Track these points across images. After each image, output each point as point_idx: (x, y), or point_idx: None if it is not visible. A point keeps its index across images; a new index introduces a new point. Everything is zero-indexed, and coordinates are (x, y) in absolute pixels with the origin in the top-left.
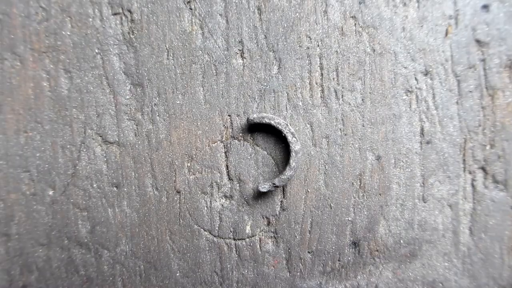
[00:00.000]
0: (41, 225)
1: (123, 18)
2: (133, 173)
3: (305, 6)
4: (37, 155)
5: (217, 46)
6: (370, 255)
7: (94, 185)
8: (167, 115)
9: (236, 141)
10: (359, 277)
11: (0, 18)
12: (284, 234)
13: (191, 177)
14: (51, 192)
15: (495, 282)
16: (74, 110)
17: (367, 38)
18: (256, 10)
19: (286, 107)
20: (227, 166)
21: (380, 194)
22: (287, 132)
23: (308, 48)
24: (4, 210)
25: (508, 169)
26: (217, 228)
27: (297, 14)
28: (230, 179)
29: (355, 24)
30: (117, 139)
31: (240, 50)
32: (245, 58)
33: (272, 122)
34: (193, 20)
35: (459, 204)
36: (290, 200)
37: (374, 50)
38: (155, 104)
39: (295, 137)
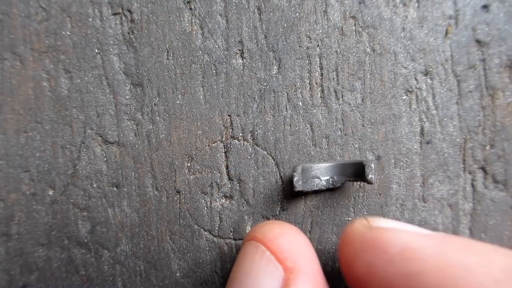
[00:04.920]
0: (41, 225)
1: (123, 18)
2: (133, 173)
3: (305, 6)
4: (37, 155)
5: (217, 46)
6: None
7: (94, 185)
8: (167, 115)
9: (236, 141)
10: None
11: (0, 18)
12: None
13: (191, 177)
14: (51, 192)
15: None
16: (74, 110)
17: (367, 38)
18: (256, 10)
19: (286, 107)
20: (227, 166)
21: (380, 194)
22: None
23: (308, 48)
24: (4, 210)
25: (508, 169)
26: (217, 228)
27: (297, 14)
28: (230, 179)
29: (355, 24)
30: (117, 139)
31: (240, 50)
32: (245, 58)
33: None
34: (193, 20)
35: (459, 204)
36: (290, 200)
37: (374, 50)
38: (155, 104)
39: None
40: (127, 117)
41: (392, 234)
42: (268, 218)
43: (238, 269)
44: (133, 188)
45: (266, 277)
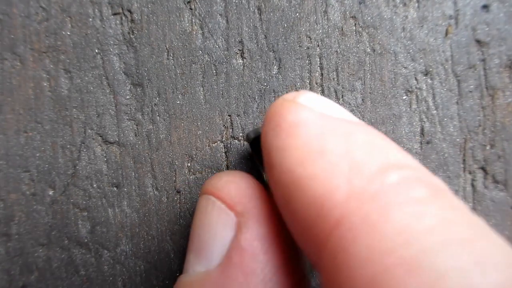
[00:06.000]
0: (41, 225)
1: (123, 18)
2: (133, 173)
3: (305, 6)
4: (37, 155)
5: (217, 46)
6: None
7: (94, 185)
8: (167, 115)
9: (236, 141)
10: None
11: (0, 18)
12: None
13: (191, 177)
14: (51, 192)
15: None
16: (74, 110)
17: (367, 38)
18: (256, 10)
19: None
20: (227, 166)
21: None
22: None
23: (308, 48)
24: (4, 210)
25: (508, 169)
26: None
27: (297, 14)
28: None
29: (355, 24)
30: (117, 139)
31: (240, 50)
32: (245, 58)
33: None
34: (193, 20)
35: None
36: None
37: (374, 50)
38: (155, 104)
39: None
40: (127, 117)
41: (297, 109)
42: None
43: (194, 224)
44: (133, 188)
45: (220, 226)
